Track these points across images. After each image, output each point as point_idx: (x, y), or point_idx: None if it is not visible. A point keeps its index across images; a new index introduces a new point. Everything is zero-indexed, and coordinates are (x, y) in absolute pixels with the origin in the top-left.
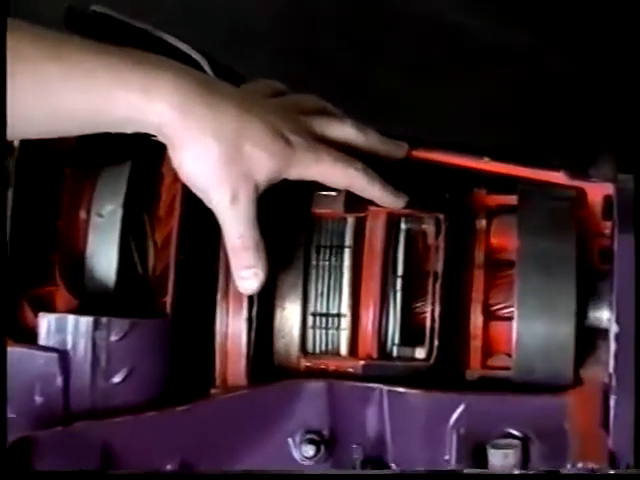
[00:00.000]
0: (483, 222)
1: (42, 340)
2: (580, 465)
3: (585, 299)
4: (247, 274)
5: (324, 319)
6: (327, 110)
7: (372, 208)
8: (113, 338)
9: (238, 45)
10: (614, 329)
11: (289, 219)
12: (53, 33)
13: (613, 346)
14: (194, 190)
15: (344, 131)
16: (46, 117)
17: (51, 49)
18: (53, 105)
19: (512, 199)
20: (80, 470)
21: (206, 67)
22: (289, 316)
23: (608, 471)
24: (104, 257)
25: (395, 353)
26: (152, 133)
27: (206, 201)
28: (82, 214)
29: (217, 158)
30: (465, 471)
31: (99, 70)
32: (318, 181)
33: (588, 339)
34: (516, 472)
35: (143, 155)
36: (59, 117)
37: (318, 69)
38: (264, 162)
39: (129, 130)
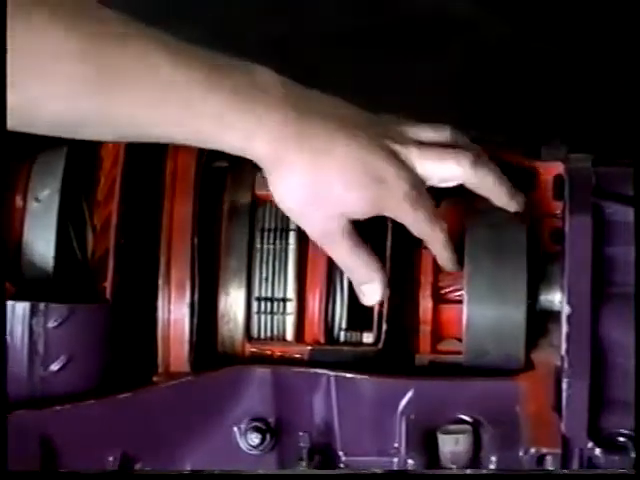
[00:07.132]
0: None
1: None
2: (533, 450)
3: (536, 281)
4: (366, 289)
5: (269, 304)
6: (458, 144)
7: None
8: (51, 324)
9: None
10: (566, 310)
11: (232, 201)
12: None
13: (565, 328)
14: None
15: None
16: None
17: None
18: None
19: None
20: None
21: None
22: (233, 301)
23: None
24: (42, 242)
25: (342, 338)
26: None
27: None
28: (18, 198)
29: (304, 198)
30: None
31: (198, 106)
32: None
33: (540, 322)
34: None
35: None
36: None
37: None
38: (354, 203)
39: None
